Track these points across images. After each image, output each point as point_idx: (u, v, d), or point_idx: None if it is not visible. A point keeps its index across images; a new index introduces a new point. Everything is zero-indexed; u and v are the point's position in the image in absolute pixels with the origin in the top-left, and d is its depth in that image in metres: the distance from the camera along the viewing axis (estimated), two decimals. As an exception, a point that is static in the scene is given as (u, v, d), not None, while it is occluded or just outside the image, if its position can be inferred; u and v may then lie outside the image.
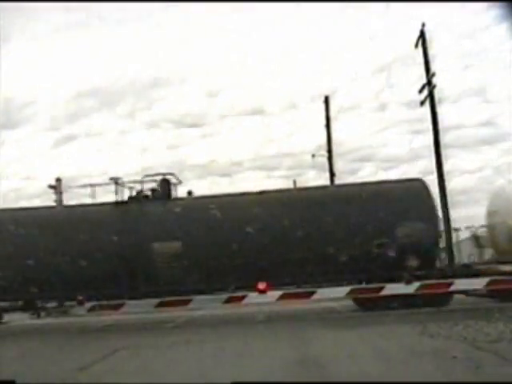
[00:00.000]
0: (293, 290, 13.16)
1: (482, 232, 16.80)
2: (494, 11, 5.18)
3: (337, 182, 27.29)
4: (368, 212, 13.24)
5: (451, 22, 45.09)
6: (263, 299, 13.13)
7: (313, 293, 13.00)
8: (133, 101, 63.35)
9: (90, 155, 52.51)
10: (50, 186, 21.94)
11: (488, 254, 16.64)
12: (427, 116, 20.31)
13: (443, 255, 16.22)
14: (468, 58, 47.66)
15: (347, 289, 12.91)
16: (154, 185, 14.36)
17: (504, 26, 5.15)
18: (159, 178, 14.29)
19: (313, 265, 12.78)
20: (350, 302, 14.29)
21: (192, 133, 65.90)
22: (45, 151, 57.17)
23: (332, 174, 27.67)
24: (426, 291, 13.03)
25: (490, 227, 15.34)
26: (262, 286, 12.88)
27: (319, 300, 13.52)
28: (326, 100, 28.34)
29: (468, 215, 21.93)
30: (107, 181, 14.23)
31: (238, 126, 62.64)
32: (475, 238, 17.49)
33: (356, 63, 62.50)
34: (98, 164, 51.67)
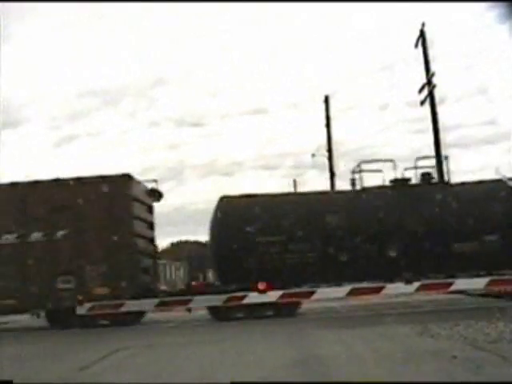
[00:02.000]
0: (292, 289, 13.15)
1: None
2: (495, 11, 5.18)
3: (337, 182, 27.37)
4: None
5: (453, 22, 45.10)
6: (263, 299, 13.14)
7: (313, 293, 13.01)
8: (134, 100, 63.47)
9: (91, 155, 52.58)
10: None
11: None
12: (428, 115, 20.37)
13: None
14: (470, 57, 47.69)
15: (347, 289, 12.91)
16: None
17: (506, 25, 5.15)
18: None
19: None
20: (349, 302, 14.31)
21: (193, 132, 66.02)
22: (45, 150, 57.27)
23: (332, 174, 27.71)
24: (425, 291, 13.06)
25: None
26: (261, 286, 12.89)
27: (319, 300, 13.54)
28: (326, 100, 28.38)
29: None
30: None
31: (239, 125, 62.76)
32: None
33: (357, 63, 62.55)
34: (99, 164, 51.69)
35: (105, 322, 13.37)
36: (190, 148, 62.82)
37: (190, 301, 13.10)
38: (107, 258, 13.21)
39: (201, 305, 13.36)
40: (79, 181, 13.70)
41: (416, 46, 20.96)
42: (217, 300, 13.17)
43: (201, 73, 63.47)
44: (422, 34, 20.66)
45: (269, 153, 62.29)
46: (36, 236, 13.43)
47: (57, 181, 13.72)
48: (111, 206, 13.40)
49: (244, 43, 66.74)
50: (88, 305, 13.01)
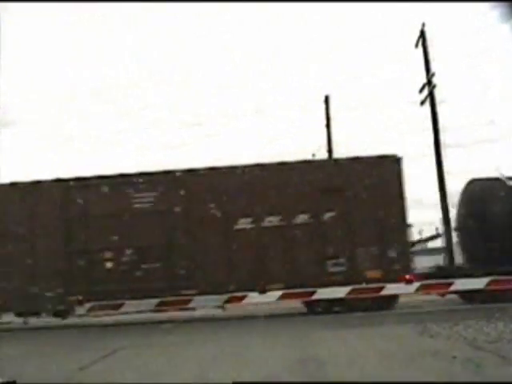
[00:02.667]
0: (292, 290, 13.14)
1: None
2: (498, 10, 5.20)
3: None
4: None
5: (454, 22, 45.12)
6: (263, 299, 13.13)
7: (313, 293, 13.00)
8: (133, 100, 63.46)
9: (90, 155, 52.55)
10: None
11: None
12: (429, 115, 20.35)
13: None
14: (472, 57, 47.70)
15: (347, 289, 12.91)
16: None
17: (508, 25, 5.16)
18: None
19: None
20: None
21: (193, 132, 65.96)
22: (45, 150, 57.23)
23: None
24: (426, 291, 13.06)
25: None
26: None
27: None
28: (327, 100, 28.36)
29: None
30: None
31: (239, 125, 62.72)
32: None
33: (357, 63, 62.57)
34: (99, 164, 51.71)
35: (367, 305, 12.86)
36: (190, 148, 62.81)
37: (190, 301, 13.09)
38: (379, 239, 13.01)
39: (201, 305, 13.34)
40: (348, 161, 13.55)
41: (416, 46, 20.97)
42: (217, 300, 13.17)
43: (201, 73, 63.56)
44: (422, 34, 20.65)
45: (269, 153, 62.28)
46: (302, 218, 13.20)
47: (326, 161, 13.72)
48: (383, 187, 13.18)
49: (244, 43, 66.87)
50: (88, 305, 13.02)
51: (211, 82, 65.36)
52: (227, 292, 12.97)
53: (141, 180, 13.61)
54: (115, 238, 13.28)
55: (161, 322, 13.63)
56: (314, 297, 13.02)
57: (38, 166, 52.05)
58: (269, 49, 65.10)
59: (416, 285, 12.86)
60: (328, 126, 28.01)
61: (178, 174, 13.65)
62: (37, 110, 59.52)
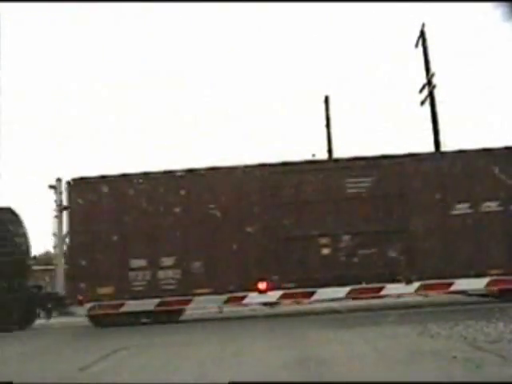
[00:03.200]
0: (293, 290, 13.12)
1: None
2: (499, 10, 5.16)
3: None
4: None
5: (455, 21, 45.12)
6: (263, 299, 13.12)
7: (313, 293, 12.99)
8: (132, 99, 63.48)
9: (89, 155, 52.52)
10: (51, 186, 21.95)
11: None
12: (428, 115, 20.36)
13: None
14: (472, 57, 47.69)
15: (347, 289, 12.90)
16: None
17: (510, 24, 5.13)
18: None
19: None
20: (350, 303, 14.29)
21: (193, 132, 66.00)
22: (44, 150, 57.24)
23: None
24: (426, 291, 13.04)
25: None
26: (261, 285, 12.88)
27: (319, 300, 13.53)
28: (326, 100, 28.36)
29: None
30: None
31: (239, 125, 62.75)
32: None
33: (357, 62, 62.58)
34: (98, 164, 51.67)
35: None
36: (189, 148, 62.84)
37: (190, 301, 13.08)
38: None
39: (201, 305, 13.33)
40: None
41: (416, 46, 20.99)
42: (217, 300, 13.16)
43: (200, 72, 63.57)
44: (422, 34, 20.68)
45: (269, 153, 62.25)
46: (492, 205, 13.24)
47: None
48: None
49: (244, 43, 66.93)
50: (88, 305, 13.01)
51: (211, 82, 65.39)
52: (439, 277, 12.93)
53: (356, 165, 13.54)
54: (331, 223, 13.18)
55: (161, 323, 13.65)
56: (314, 297, 13.01)
57: (36, 166, 52.03)
58: (268, 48, 65.15)
59: (416, 285, 12.85)
60: (328, 126, 28.01)
61: (394, 159, 13.58)
62: (34, 109, 59.49)
